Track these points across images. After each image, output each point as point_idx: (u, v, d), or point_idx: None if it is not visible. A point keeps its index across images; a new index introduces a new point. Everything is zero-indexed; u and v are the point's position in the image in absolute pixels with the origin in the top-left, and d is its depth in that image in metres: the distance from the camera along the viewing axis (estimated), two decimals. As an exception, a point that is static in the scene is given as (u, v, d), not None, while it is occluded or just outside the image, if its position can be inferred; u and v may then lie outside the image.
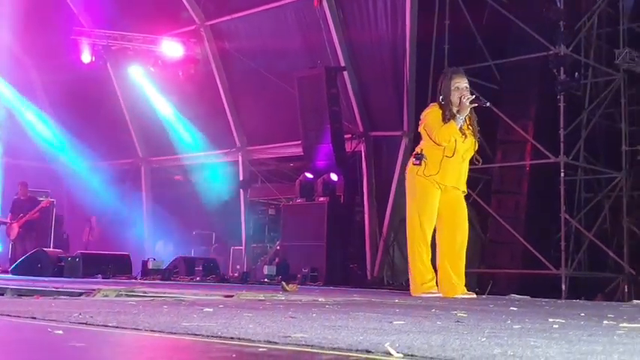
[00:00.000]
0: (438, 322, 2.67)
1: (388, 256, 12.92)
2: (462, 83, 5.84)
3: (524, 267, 12.01)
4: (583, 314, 3.60)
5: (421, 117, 6.01)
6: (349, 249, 12.57)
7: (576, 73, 12.02)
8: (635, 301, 6.76)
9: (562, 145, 11.36)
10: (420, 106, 12.91)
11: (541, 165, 12.07)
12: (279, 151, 14.86)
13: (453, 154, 5.75)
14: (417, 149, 5.91)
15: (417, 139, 12.82)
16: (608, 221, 12.77)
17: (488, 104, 6.17)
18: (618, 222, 12.49)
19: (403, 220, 12.74)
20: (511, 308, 4.13)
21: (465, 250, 5.92)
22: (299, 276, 11.18)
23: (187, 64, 14.83)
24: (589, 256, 12.68)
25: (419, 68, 12.47)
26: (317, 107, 12.41)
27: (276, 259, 12.56)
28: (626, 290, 11.76)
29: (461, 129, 5.79)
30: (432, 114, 5.86)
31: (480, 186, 12.69)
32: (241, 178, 15.26)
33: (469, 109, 5.77)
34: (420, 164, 5.79)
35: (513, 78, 12.85)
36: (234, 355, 1.48)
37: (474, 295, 5.92)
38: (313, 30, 13.45)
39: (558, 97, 11.42)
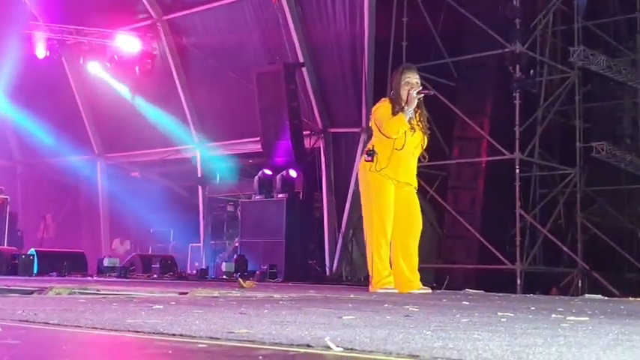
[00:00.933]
0: (388, 317, 2.68)
1: (347, 252, 12.96)
2: (412, 78, 5.87)
3: (480, 262, 12.16)
4: (533, 308, 3.64)
5: (372, 112, 6.05)
6: (308, 245, 12.56)
7: (532, 71, 12.20)
8: (586, 295, 6.88)
9: (517, 141, 11.52)
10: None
11: (497, 161, 12.22)
12: (237, 147, 14.78)
13: (403, 147, 5.77)
14: (369, 145, 5.93)
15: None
16: (562, 217, 12.99)
17: (432, 92, 6.25)
18: (572, 217, 12.72)
19: (362, 217, 12.91)
20: (463, 302, 4.16)
21: (417, 246, 5.96)
22: (257, 272, 11.14)
23: (144, 59, 14.66)
24: (544, 251, 12.90)
25: (377, 65, 12.52)
26: (276, 103, 12.37)
27: (235, 256, 12.49)
28: (579, 284, 11.99)
29: (410, 123, 5.81)
30: (381, 108, 5.89)
31: (437, 182, 12.82)
32: (199, 175, 15.15)
33: (416, 100, 5.80)
34: (372, 160, 5.80)
35: (470, 75, 13.00)
36: (170, 352, 1.47)
37: (429, 290, 5.96)
38: (272, 26, 13.40)
39: (514, 94, 11.58)
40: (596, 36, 13.38)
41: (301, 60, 13.05)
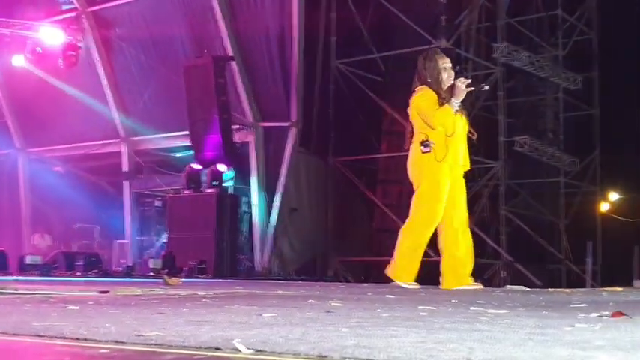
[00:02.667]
0: (309, 313, 2.65)
1: (277, 247, 12.93)
2: (447, 63, 5.62)
3: (408, 255, 12.28)
4: (455, 300, 3.67)
5: (410, 102, 5.65)
6: (238, 240, 12.49)
7: (457, 67, 12.37)
8: (508, 286, 7.01)
9: (444, 136, 11.69)
10: (308, 97, 13.06)
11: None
12: (165, 141, 14.55)
13: (453, 133, 5.59)
14: (420, 136, 5.56)
15: (305, 129, 12.96)
16: (486, 209, 13.27)
17: (486, 87, 6.05)
18: (496, 210, 13.01)
19: (293, 211, 12.88)
20: (387, 296, 4.17)
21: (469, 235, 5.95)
22: (185, 269, 11.01)
23: (68, 52, 14.24)
24: (469, 243, 13.13)
25: (306, 59, 12.53)
26: (205, 97, 12.24)
27: (163, 252, 12.31)
28: (503, 275, 12.27)
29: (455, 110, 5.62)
30: (424, 97, 5.55)
31: (366, 176, 12.92)
32: (125, 170, 14.83)
33: (465, 93, 5.50)
34: (430, 151, 5.57)
35: (398, 70, 13.11)
36: (67, 358, 1.40)
37: (481, 286, 5.95)
38: (200, 19, 13.24)
39: (440, 89, 11.73)
40: (519, 33, 13.69)
41: (230, 53, 12.93)
